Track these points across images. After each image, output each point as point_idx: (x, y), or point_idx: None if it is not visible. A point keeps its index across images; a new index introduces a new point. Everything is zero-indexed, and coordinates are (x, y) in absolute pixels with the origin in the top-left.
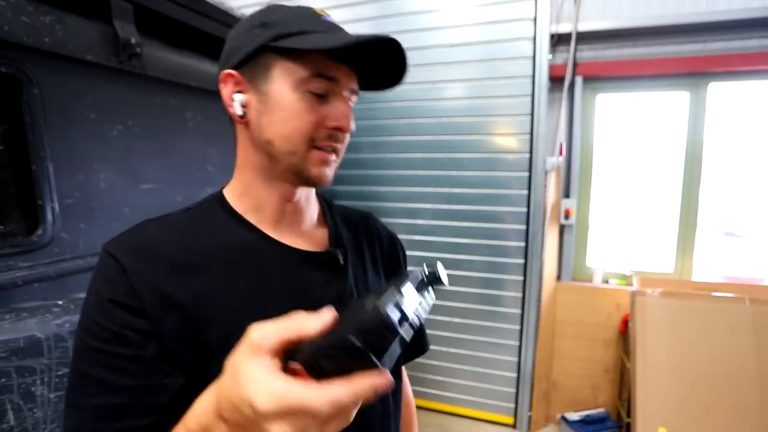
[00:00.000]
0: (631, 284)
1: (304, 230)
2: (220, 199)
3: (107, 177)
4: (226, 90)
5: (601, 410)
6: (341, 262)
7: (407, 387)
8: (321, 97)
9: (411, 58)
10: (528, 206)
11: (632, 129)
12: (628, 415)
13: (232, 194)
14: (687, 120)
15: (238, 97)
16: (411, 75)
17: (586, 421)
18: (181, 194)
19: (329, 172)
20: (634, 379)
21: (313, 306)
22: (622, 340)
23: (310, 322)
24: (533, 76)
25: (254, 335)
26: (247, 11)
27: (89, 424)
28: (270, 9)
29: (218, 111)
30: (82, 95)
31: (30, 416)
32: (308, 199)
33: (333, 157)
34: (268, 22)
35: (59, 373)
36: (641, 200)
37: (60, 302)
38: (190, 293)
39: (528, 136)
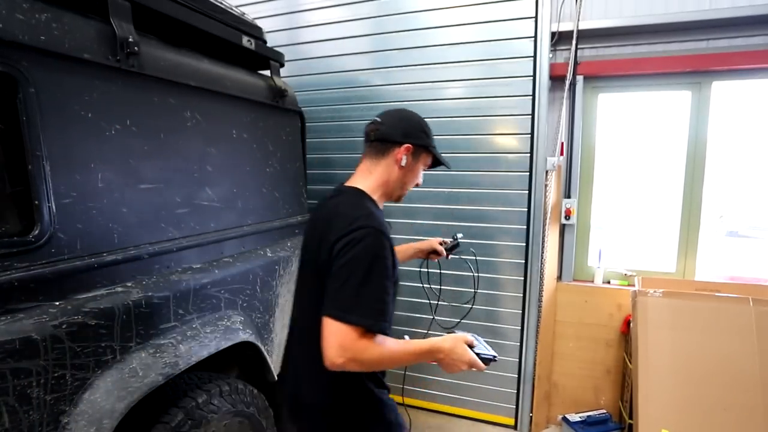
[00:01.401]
0: (632, 284)
1: None
2: (367, 194)
3: (105, 177)
4: (401, 151)
5: (602, 411)
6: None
7: None
8: (424, 171)
9: (411, 57)
10: (528, 206)
11: (634, 128)
12: (630, 416)
13: (368, 191)
14: (689, 119)
15: (405, 158)
16: (411, 74)
17: (587, 423)
18: (179, 194)
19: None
20: (636, 380)
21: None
22: (624, 341)
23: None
24: (534, 76)
25: (463, 336)
26: (247, 10)
27: (379, 314)
28: (424, 124)
29: (217, 111)
30: (79, 94)
31: (25, 419)
32: None
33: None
34: (428, 133)
35: (55, 374)
36: (643, 200)
37: (57, 303)
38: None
39: (528, 136)
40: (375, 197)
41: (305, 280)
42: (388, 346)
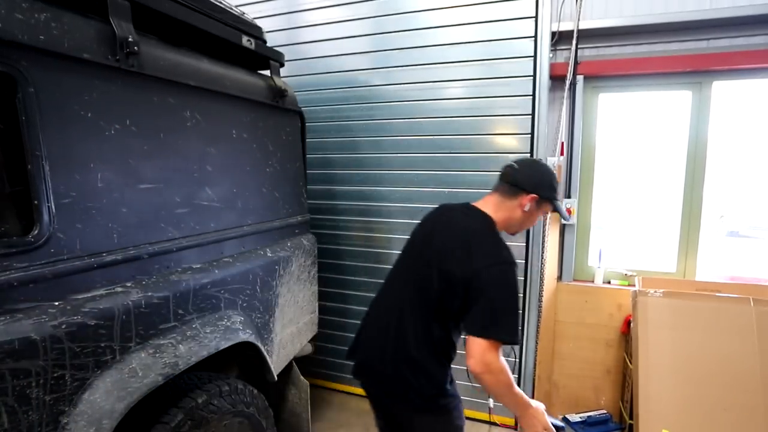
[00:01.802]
0: (633, 284)
1: None
2: (495, 224)
3: (104, 176)
4: (528, 199)
5: (603, 412)
6: None
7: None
8: (538, 219)
9: (411, 57)
10: None
11: (634, 128)
12: (631, 416)
13: (495, 221)
14: (690, 119)
15: (529, 206)
16: (411, 74)
17: (587, 423)
18: (179, 194)
19: None
20: (637, 380)
21: None
22: (624, 341)
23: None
24: (534, 75)
25: (541, 407)
26: (247, 10)
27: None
28: (553, 178)
29: (217, 111)
30: (79, 94)
31: (24, 419)
32: None
33: None
34: (555, 187)
35: (55, 374)
36: (643, 200)
37: (56, 303)
38: None
39: (528, 136)
40: (497, 228)
41: (415, 272)
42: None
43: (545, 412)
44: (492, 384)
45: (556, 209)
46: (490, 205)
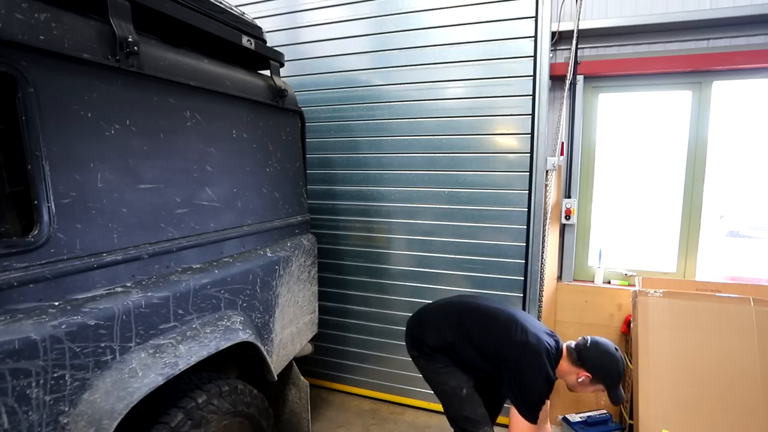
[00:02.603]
0: (633, 284)
1: None
2: (556, 363)
3: (104, 177)
4: (582, 373)
5: (603, 411)
6: None
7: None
8: (591, 392)
9: (411, 57)
10: (529, 206)
11: (634, 128)
12: (631, 416)
13: (557, 369)
14: (690, 119)
15: (582, 378)
16: (411, 74)
17: (588, 423)
18: (179, 194)
19: None
20: (637, 381)
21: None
22: (624, 341)
23: None
24: (534, 75)
25: None
26: (247, 10)
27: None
28: (615, 369)
29: (217, 111)
30: (79, 94)
31: (25, 419)
32: None
33: None
34: (614, 377)
35: (55, 375)
36: (643, 200)
37: (56, 303)
38: None
39: (529, 136)
40: (558, 368)
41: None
42: None
43: None
44: None
45: (610, 396)
46: (565, 352)
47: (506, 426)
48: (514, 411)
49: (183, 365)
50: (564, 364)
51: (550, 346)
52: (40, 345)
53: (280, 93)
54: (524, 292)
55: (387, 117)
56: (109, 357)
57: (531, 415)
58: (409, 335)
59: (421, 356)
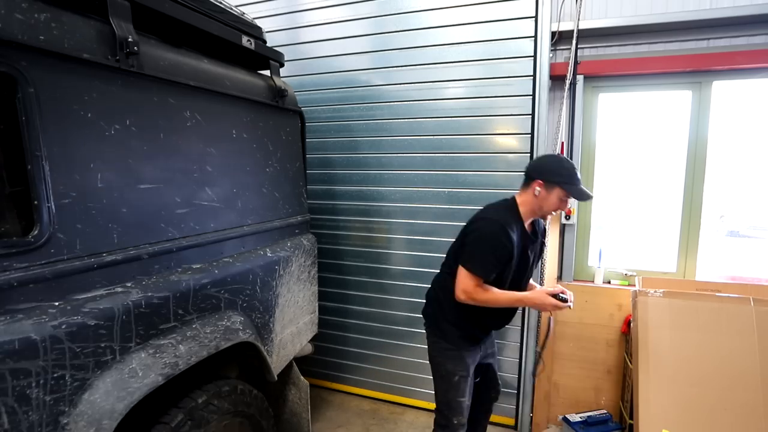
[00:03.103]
0: (633, 284)
1: (529, 226)
2: (516, 206)
3: (104, 177)
4: (537, 185)
5: (603, 411)
6: (536, 239)
7: None
8: (564, 203)
9: (411, 57)
10: None
11: (634, 128)
12: (631, 416)
13: (519, 206)
14: (690, 118)
15: (538, 190)
16: (411, 74)
17: (588, 423)
18: (179, 194)
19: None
20: (637, 380)
21: (530, 249)
22: (624, 341)
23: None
24: (534, 75)
25: (544, 289)
26: (247, 10)
27: (486, 272)
28: (563, 166)
29: (217, 111)
30: (79, 94)
31: (25, 419)
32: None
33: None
34: (564, 174)
35: (55, 375)
36: (643, 199)
37: (56, 303)
38: (513, 246)
39: (529, 136)
40: (521, 210)
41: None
42: (493, 291)
43: (555, 290)
44: (479, 304)
45: (568, 193)
46: (519, 194)
47: (502, 425)
48: (460, 267)
49: (183, 365)
50: (522, 198)
51: (503, 206)
52: (40, 345)
53: (280, 93)
54: None
55: (387, 117)
56: (109, 357)
57: (476, 266)
58: (424, 307)
59: (430, 330)
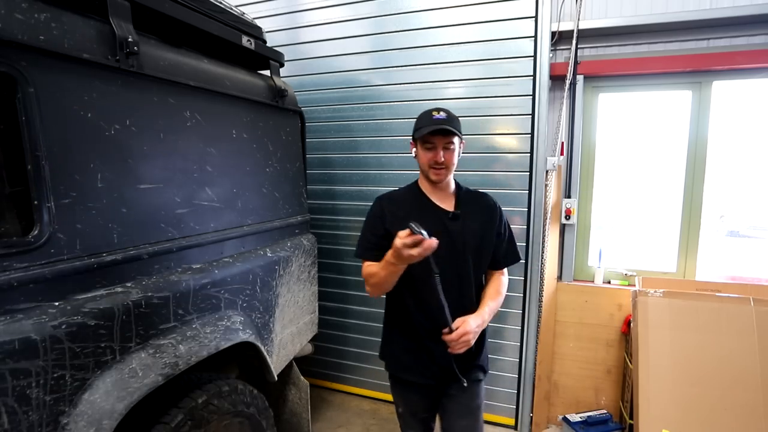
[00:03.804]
0: (633, 284)
1: (444, 199)
2: (417, 184)
3: (104, 177)
4: (412, 147)
5: (603, 411)
6: (458, 217)
7: (500, 280)
8: (430, 149)
9: (411, 57)
10: (529, 206)
11: (634, 128)
12: (631, 416)
13: (420, 182)
14: (690, 118)
15: (414, 151)
16: (411, 74)
17: (588, 423)
18: (179, 194)
19: (441, 177)
20: (637, 380)
21: (443, 230)
22: (625, 341)
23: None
24: (534, 75)
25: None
26: (247, 10)
27: (363, 249)
28: (421, 115)
29: (217, 111)
30: (79, 94)
31: (25, 420)
32: (447, 185)
33: (442, 170)
34: (417, 125)
35: (55, 375)
36: (643, 199)
37: (56, 303)
38: (400, 217)
39: (529, 136)
40: (420, 180)
41: None
42: (374, 264)
43: (405, 231)
44: (376, 289)
45: (420, 141)
46: None
47: (502, 425)
48: None
49: (183, 365)
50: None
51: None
52: (40, 345)
53: (280, 93)
54: (524, 292)
55: (387, 117)
56: (109, 357)
57: (358, 247)
58: None
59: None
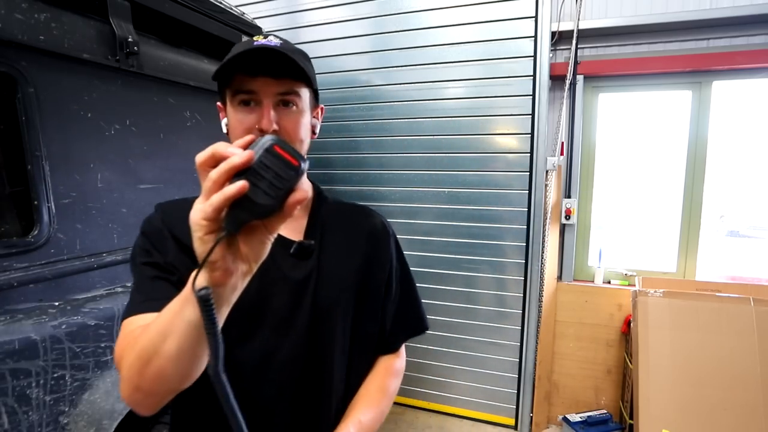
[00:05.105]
0: (633, 284)
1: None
2: None
3: (104, 177)
4: (221, 114)
5: (603, 411)
6: (309, 252)
7: (389, 368)
8: (247, 106)
9: (411, 57)
10: (529, 206)
11: (634, 128)
12: (631, 416)
13: None
14: (690, 118)
15: (223, 121)
16: (411, 74)
17: (588, 423)
18: (179, 194)
19: None
20: (637, 380)
21: (276, 283)
22: (625, 341)
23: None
24: (534, 75)
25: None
26: (247, 10)
27: (133, 305)
28: (231, 50)
29: (217, 111)
30: (79, 94)
31: (25, 419)
32: None
33: None
34: (221, 66)
35: (55, 375)
36: (643, 199)
37: (56, 303)
38: (185, 250)
39: (529, 136)
40: None
41: None
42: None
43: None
44: (141, 381)
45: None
46: None
47: (502, 425)
48: None
49: None
50: None
51: None
52: (40, 345)
53: None
54: (524, 292)
55: (387, 117)
56: (109, 357)
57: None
58: None
59: None
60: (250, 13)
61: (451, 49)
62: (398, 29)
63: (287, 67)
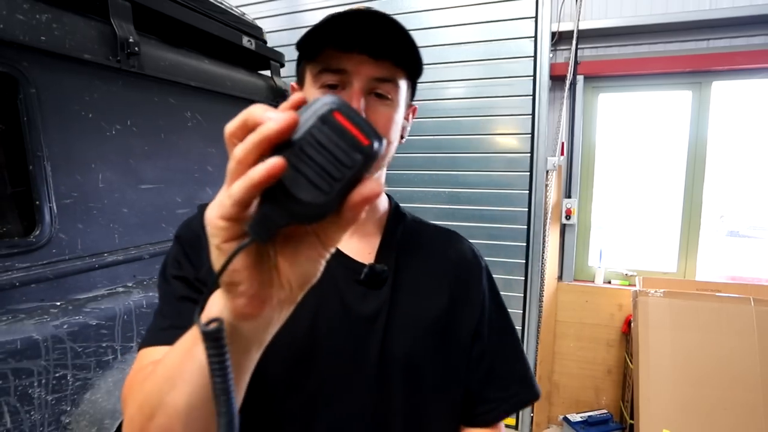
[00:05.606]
0: (633, 284)
1: (356, 234)
2: None
3: (105, 177)
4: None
5: (603, 411)
6: (382, 279)
7: None
8: (334, 89)
9: None
10: (529, 206)
11: (634, 128)
12: (631, 416)
13: None
14: (690, 119)
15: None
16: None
17: (588, 423)
18: (180, 194)
19: None
20: (637, 380)
21: (335, 318)
22: (625, 341)
23: None
24: (534, 75)
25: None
26: (247, 10)
27: (153, 335)
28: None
29: (217, 111)
30: (80, 94)
31: (27, 419)
32: None
33: None
34: (301, 39)
35: (57, 374)
36: (643, 200)
37: (58, 303)
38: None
39: (529, 136)
40: None
41: None
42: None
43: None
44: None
45: (310, 66)
46: None
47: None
48: None
49: None
50: None
51: None
52: (42, 345)
53: (280, 93)
54: (525, 292)
55: None
56: (110, 357)
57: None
58: None
59: None
60: (251, 13)
61: (452, 50)
62: None
63: (392, 44)
